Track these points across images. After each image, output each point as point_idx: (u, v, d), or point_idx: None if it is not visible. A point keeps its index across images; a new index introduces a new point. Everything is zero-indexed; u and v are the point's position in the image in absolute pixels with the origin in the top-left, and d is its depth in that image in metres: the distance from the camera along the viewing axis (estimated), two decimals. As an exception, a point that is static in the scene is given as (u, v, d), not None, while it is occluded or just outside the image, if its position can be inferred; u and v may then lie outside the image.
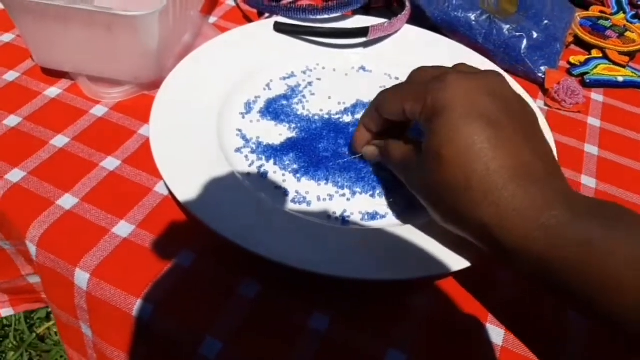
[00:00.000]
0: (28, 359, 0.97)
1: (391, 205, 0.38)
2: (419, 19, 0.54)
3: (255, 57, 0.48)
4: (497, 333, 0.33)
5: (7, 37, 0.51)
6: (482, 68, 0.33)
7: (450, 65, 0.34)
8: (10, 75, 0.47)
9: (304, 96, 0.46)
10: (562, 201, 0.27)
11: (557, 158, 0.32)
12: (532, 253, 0.27)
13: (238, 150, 0.40)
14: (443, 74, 0.31)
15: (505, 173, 0.28)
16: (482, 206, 0.28)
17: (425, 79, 0.33)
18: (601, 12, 0.63)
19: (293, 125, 0.43)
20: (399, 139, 0.36)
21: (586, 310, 0.27)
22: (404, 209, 0.38)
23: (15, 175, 0.39)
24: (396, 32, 0.51)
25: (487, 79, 0.31)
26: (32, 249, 0.35)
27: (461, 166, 0.28)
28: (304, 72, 0.48)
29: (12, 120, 0.43)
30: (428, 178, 0.31)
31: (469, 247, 0.33)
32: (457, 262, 0.33)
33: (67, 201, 0.37)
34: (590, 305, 0.26)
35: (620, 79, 0.54)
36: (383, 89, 0.47)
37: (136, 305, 0.33)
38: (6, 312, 0.52)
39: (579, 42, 0.60)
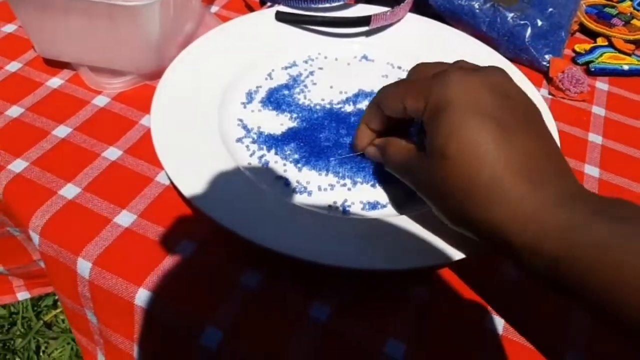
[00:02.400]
0: (35, 346, 0.98)
1: (392, 195, 0.38)
2: (422, 8, 0.54)
3: (257, 47, 0.48)
4: (497, 322, 0.33)
5: (9, 28, 0.51)
6: (486, 57, 0.33)
7: (453, 54, 0.34)
8: (13, 66, 0.47)
9: (305, 86, 0.46)
10: (573, 201, 0.27)
11: (560, 147, 0.31)
12: (543, 254, 0.26)
13: (239, 140, 0.40)
14: (445, 71, 0.30)
15: (513, 174, 0.27)
16: (490, 208, 0.27)
17: (427, 76, 0.32)
18: (607, -1, 0.62)
19: (294, 115, 0.43)
20: (401, 138, 0.35)
21: (598, 312, 0.26)
22: (405, 199, 0.38)
23: (18, 165, 0.39)
24: (398, 20, 0.51)
25: (490, 76, 0.30)
26: (35, 238, 0.36)
27: (467, 167, 0.28)
28: (306, 62, 0.48)
29: (15, 111, 0.43)
30: (433, 179, 0.30)
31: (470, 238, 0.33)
32: (457, 252, 0.33)
33: (69, 191, 0.38)
34: (603, 307, 0.25)
35: (626, 67, 0.54)
36: (385, 78, 0.47)
37: (138, 294, 0.33)
38: (22, 295, 0.54)
39: (584, 30, 0.59)
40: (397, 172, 0.34)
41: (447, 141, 0.28)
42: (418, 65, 0.35)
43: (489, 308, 0.34)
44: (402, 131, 0.37)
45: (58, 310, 1.03)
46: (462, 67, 0.31)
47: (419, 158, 0.31)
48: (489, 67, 0.31)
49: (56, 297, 1.04)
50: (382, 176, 0.39)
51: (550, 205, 0.27)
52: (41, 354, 0.98)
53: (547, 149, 0.29)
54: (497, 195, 0.27)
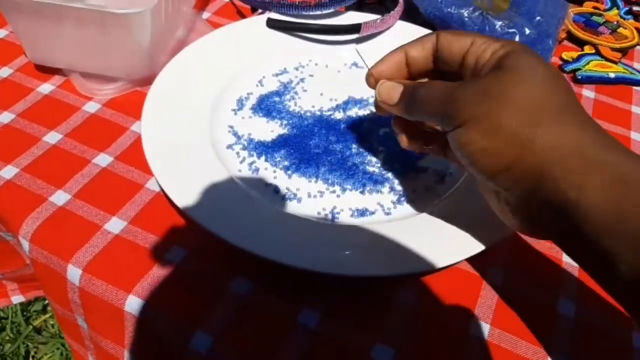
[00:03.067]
0: (25, 351, 0.97)
1: (380, 202, 0.38)
2: (412, 15, 0.54)
3: (248, 54, 0.48)
4: (483, 327, 0.34)
5: (0, 34, 0.51)
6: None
7: None
8: (4, 72, 0.47)
9: (296, 92, 0.46)
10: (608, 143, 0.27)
11: None
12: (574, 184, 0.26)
13: (229, 146, 0.41)
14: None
15: (572, 113, 0.27)
16: (555, 127, 0.27)
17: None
18: (595, 8, 0.63)
19: (285, 122, 0.43)
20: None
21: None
22: (393, 206, 0.38)
23: (8, 171, 0.39)
24: (389, 28, 0.52)
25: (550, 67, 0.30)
26: (25, 244, 0.36)
27: (534, 100, 0.27)
28: (297, 69, 0.49)
29: (5, 117, 0.43)
30: (490, 91, 0.28)
31: (456, 244, 0.34)
32: (444, 258, 0.33)
33: (60, 197, 0.38)
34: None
35: (612, 75, 0.55)
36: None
37: (127, 300, 0.33)
38: (17, 299, 0.53)
39: (572, 38, 0.60)
40: (436, 111, 0.30)
41: (536, 63, 0.28)
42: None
43: (475, 313, 0.34)
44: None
45: (47, 315, 1.02)
46: None
47: (469, 82, 0.30)
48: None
49: (46, 302, 1.03)
50: (371, 183, 0.39)
51: (600, 145, 0.27)
52: (30, 359, 0.97)
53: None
54: (566, 117, 0.27)
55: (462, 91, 0.29)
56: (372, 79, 0.35)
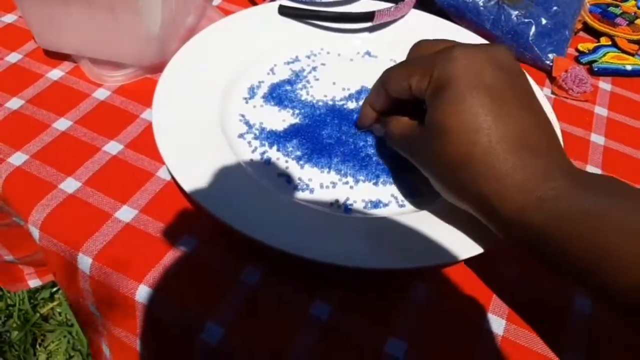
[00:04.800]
0: (32, 339, 0.98)
1: (394, 194, 0.38)
2: (426, 4, 0.53)
3: (259, 41, 0.48)
4: (498, 323, 0.33)
5: (9, 18, 0.50)
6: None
7: None
8: (13, 57, 0.47)
9: (308, 81, 0.45)
10: (562, 173, 0.28)
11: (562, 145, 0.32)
12: (532, 224, 0.27)
13: (241, 135, 0.40)
14: (450, 47, 0.31)
15: (507, 145, 0.28)
16: (483, 178, 0.28)
17: (429, 53, 0.32)
18: (611, -2, 0.62)
19: (297, 111, 0.43)
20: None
21: (582, 281, 0.27)
22: (407, 197, 0.37)
23: (18, 158, 0.39)
24: (402, 17, 0.51)
25: (494, 51, 0.31)
26: (35, 232, 0.36)
27: (464, 139, 0.29)
28: (309, 57, 0.48)
29: (15, 103, 0.43)
30: (432, 151, 0.31)
31: (471, 237, 0.33)
32: (460, 251, 0.33)
33: (70, 185, 0.37)
34: (588, 276, 0.26)
35: (629, 67, 0.54)
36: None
37: (138, 290, 0.33)
38: (34, 282, 0.54)
39: (588, 29, 0.59)
40: (398, 146, 0.36)
41: (447, 115, 0.29)
42: (418, 42, 0.35)
43: (491, 307, 0.34)
44: (405, 112, 0.36)
45: (55, 303, 1.02)
46: (466, 44, 0.32)
47: (420, 132, 0.33)
48: (492, 44, 0.32)
49: (53, 290, 1.04)
50: (385, 174, 0.38)
51: (540, 175, 0.28)
52: (37, 346, 0.98)
53: (542, 123, 0.30)
54: (490, 166, 0.28)
55: (413, 148, 0.33)
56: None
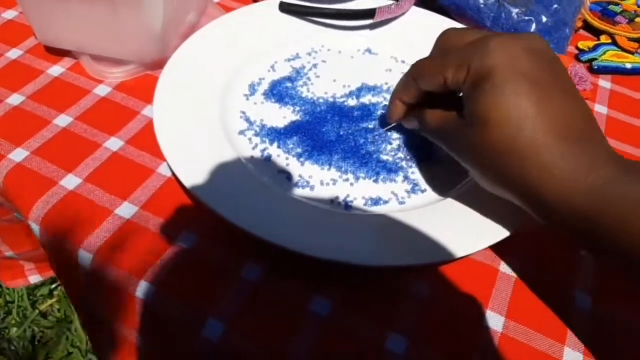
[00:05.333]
0: (31, 335, 0.98)
1: (394, 191, 0.38)
2: (427, 1, 0.53)
3: (260, 38, 0.47)
4: (497, 319, 0.33)
5: (10, 14, 0.50)
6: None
7: None
8: (13, 53, 0.46)
9: (308, 78, 0.45)
10: (608, 160, 0.28)
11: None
12: (581, 211, 0.27)
13: (241, 132, 0.40)
14: (484, 38, 0.31)
15: (552, 134, 0.28)
16: (529, 167, 0.28)
17: (460, 44, 0.32)
18: (612, -4, 0.62)
19: (297, 108, 0.43)
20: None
21: (631, 267, 0.27)
22: (407, 195, 0.37)
23: (18, 154, 0.39)
24: (403, 14, 0.51)
25: (529, 39, 0.31)
26: (36, 228, 0.36)
27: (508, 129, 0.29)
28: (309, 54, 0.48)
29: (15, 99, 0.43)
30: (473, 142, 0.31)
31: (471, 234, 0.33)
32: (459, 249, 0.33)
33: (70, 181, 0.37)
34: (636, 262, 0.26)
35: (629, 65, 0.54)
36: (389, 72, 0.47)
37: (139, 286, 0.33)
38: (34, 278, 0.54)
39: (588, 27, 0.59)
40: (435, 137, 0.35)
41: (489, 106, 0.29)
42: (446, 32, 0.35)
43: (490, 304, 0.34)
44: (434, 103, 0.36)
45: (54, 300, 1.03)
46: (499, 33, 0.32)
47: (459, 124, 0.32)
48: (525, 33, 0.32)
49: (52, 287, 1.04)
50: (385, 171, 0.39)
51: (589, 162, 0.28)
52: (36, 343, 0.98)
53: (582, 111, 0.30)
54: (536, 154, 0.28)
55: (453, 140, 0.33)
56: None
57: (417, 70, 0.35)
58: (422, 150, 0.40)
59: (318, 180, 0.38)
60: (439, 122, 0.34)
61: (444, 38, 0.35)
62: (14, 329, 0.98)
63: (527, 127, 0.28)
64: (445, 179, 0.38)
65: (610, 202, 0.27)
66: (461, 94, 0.32)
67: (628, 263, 0.27)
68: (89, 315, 0.40)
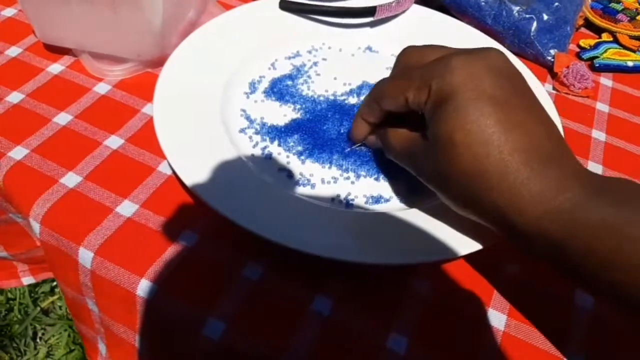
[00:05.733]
0: (32, 333, 0.98)
1: (396, 189, 0.38)
2: (427, -1, 0.53)
3: (260, 36, 0.47)
4: (499, 318, 0.33)
5: (9, 12, 0.50)
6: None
7: (458, 47, 0.34)
8: (13, 51, 0.46)
9: (309, 76, 0.45)
10: (576, 182, 0.27)
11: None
12: (547, 235, 0.27)
13: (242, 130, 0.40)
14: (445, 57, 0.30)
15: (519, 156, 0.28)
16: (496, 190, 0.28)
17: (422, 63, 0.31)
18: (613, -6, 0.61)
19: (298, 106, 0.42)
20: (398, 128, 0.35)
21: (598, 292, 0.27)
22: (408, 193, 0.37)
23: (18, 152, 0.39)
24: (404, 12, 0.51)
25: (491, 57, 0.30)
26: (36, 227, 0.36)
27: (474, 151, 0.28)
28: (310, 52, 0.48)
29: (15, 97, 0.42)
30: (438, 165, 0.30)
31: (472, 232, 0.33)
32: (460, 247, 0.33)
33: (71, 179, 0.37)
34: (603, 286, 0.26)
35: (630, 63, 0.54)
36: (389, 70, 0.47)
37: (140, 284, 0.33)
38: (27, 280, 0.54)
39: (589, 25, 0.59)
40: (399, 160, 0.34)
41: (452, 129, 0.28)
42: (406, 50, 0.34)
43: (492, 303, 0.34)
44: (399, 123, 0.35)
45: (55, 297, 1.03)
46: (460, 51, 0.31)
47: (423, 145, 0.31)
48: (487, 48, 0.31)
49: (54, 284, 1.04)
50: (386, 170, 0.38)
51: (555, 185, 0.27)
52: (38, 340, 0.98)
53: (549, 129, 0.29)
54: (503, 178, 0.28)
55: (417, 162, 0.32)
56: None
57: (379, 91, 0.34)
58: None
59: (319, 178, 0.38)
60: (403, 143, 0.33)
61: (405, 56, 0.34)
62: (16, 326, 0.98)
63: (493, 150, 0.28)
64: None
65: (575, 226, 0.26)
66: (423, 114, 0.31)
67: (594, 288, 0.27)
68: (84, 316, 0.39)
